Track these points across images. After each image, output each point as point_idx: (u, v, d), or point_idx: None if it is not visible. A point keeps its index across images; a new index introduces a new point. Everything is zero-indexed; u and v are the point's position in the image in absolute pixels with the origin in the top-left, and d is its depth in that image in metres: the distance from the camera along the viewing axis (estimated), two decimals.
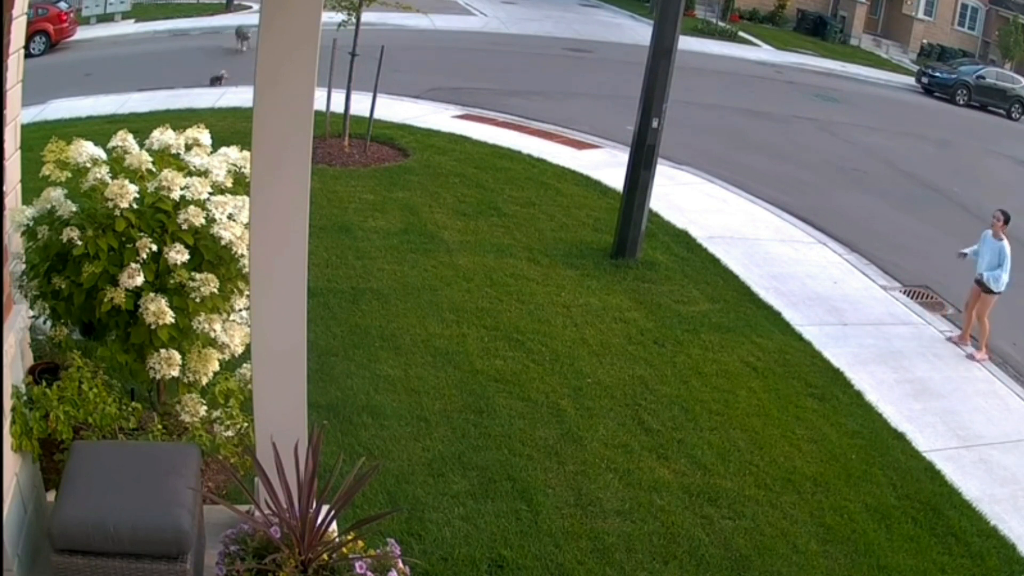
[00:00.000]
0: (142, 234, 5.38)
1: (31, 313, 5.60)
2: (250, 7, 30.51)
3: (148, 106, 17.06)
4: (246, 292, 5.54)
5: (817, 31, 44.37)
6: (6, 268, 5.02)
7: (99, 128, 13.38)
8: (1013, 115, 33.59)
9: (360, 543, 4.65)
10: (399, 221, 12.40)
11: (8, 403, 4.85)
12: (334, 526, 4.62)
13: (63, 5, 25.15)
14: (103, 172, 5.49)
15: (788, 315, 11.19)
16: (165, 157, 5.69)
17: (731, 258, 12.72)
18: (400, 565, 4.58)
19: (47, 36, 24.08)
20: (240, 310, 5.74)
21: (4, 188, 4.25)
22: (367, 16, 15.17)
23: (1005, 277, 11.06)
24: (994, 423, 9.48)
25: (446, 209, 13.07)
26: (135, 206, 5.38)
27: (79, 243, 5.32)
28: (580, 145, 17.63)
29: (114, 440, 5.20)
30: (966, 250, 11.60)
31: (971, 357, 10.85)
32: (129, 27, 28.30)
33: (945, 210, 17.50)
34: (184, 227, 5.42)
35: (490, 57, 26.14)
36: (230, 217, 5.49)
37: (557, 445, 7.81)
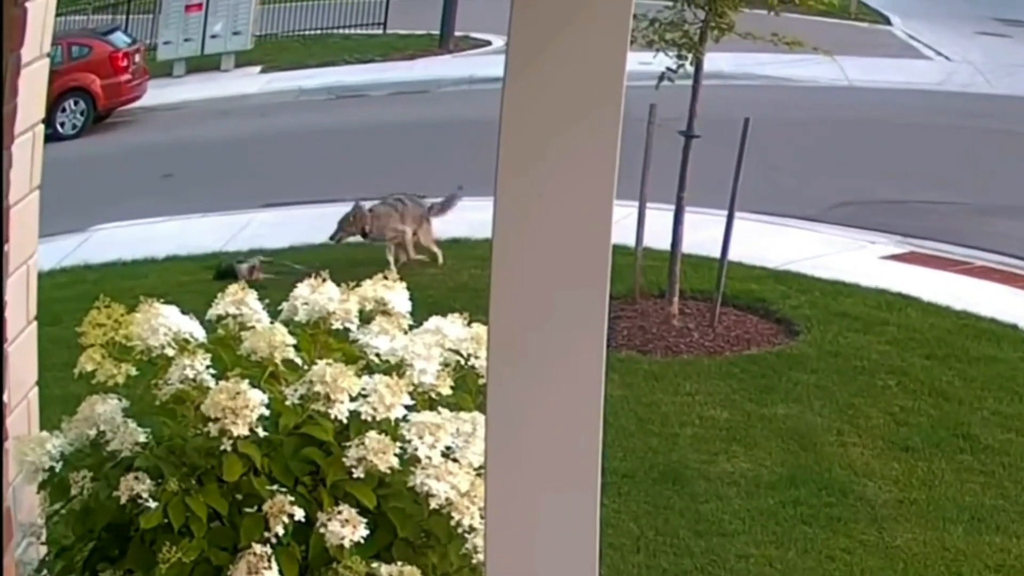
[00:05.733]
0: (275, 486, 3.67)
1: None
2: (486, 43, 20.56)
3: (284, 237, 11.42)
4: None
5: None
6: None
7: (190, 279, 10.67)
8: None
9: None
10: (778, 462, 8.37)
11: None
12: None
13: (120, 39, 16.91)
14: (199, 365, 3.74)
15: None
16: (320, 336, 3.92)
17: None
18: None
19: (89, 98, 15.63)
20: None
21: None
22: (714, 59, 9.54)
23: None
24: None
25: (871, 438, 8.78)
26: (262, 432, 3.65)
27: (152, 504, 3.65)
28: None
29: None
30: None
31: None
32: (250, 80, 19.20)
33: None
34: (358, 473, 3.66)
35: (955, 140, 16.75)
36: (447, 453, 3.69)
37: None
